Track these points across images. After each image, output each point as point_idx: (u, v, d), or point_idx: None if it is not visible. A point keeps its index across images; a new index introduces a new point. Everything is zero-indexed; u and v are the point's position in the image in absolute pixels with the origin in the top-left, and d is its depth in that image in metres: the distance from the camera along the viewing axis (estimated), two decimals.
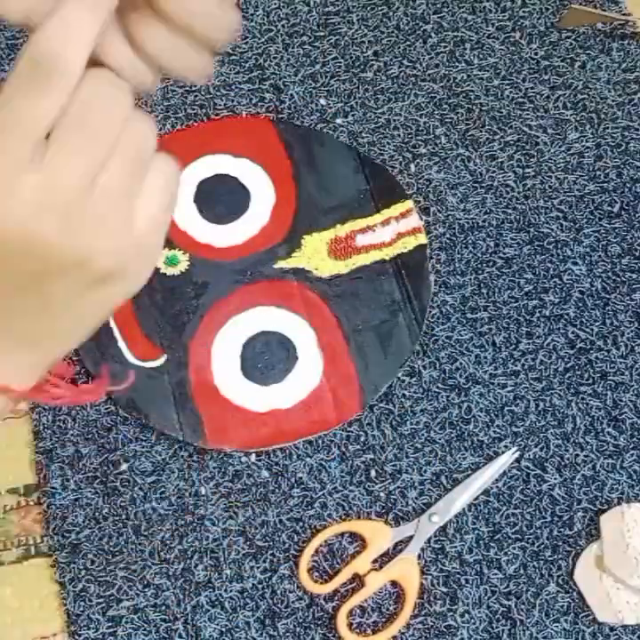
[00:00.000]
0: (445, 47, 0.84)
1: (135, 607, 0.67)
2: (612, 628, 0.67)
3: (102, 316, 0.43)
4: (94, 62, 0.38)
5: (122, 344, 0.73)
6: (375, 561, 0.69)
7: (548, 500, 0.70)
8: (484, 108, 0.82)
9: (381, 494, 0.70)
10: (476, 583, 0.68)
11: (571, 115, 0.82)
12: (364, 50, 0.83)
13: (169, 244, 0.76)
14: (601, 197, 0.79)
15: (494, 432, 0.72)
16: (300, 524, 0.69)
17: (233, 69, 0.82)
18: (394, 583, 0.68)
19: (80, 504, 0.69)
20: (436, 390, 0.73)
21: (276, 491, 0.70)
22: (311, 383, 0.72)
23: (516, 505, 0.70)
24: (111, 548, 0.68)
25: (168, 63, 0.40)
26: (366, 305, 0.75)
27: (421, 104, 0.82)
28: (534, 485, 0.71)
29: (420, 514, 0.69)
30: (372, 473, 0.71)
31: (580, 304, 0.75)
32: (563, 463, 0.71)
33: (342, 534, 0.69)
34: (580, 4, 0.85)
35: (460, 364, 0.73)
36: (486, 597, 0.68)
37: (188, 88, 0.81)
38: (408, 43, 0.84)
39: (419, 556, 0.68)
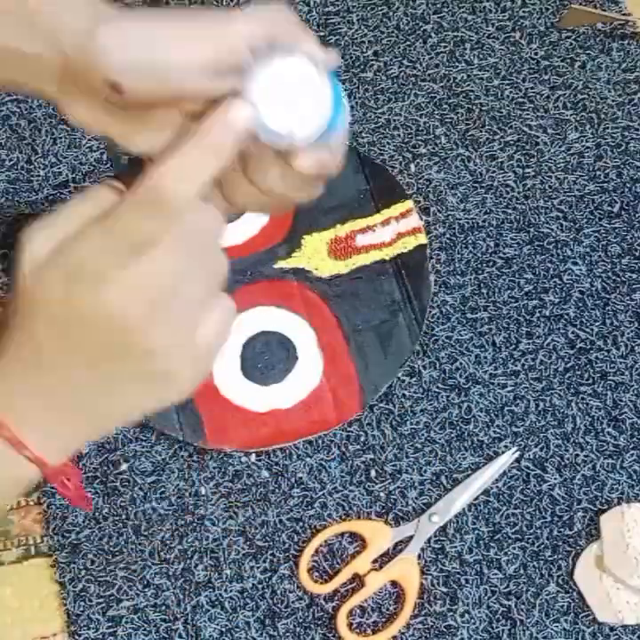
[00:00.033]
0: (445, 47, 0.84)
1: (135, 607, 0.67)
2: (612, 628, 0.67)
3: (140, 412, 0.45)
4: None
5: None
6: (375, 561, 0.69)
7: (547, 500, 0.70)
8: (484, 108, 0.82)
9: (381, 494, 0.70)
10: (476, 583, 0.68)
11: (571, 115, 0.82)
12: (364, 50, 0.83)
13: None
14: (601, 197, 0.79)
15: (494, 432, 0.72)
16: (300, 524, 0.69)
17: None
18: (394, 583, 0.68)
19: None
20: (436, 390, 0.73)
21: (276, 491, 0.70)
22: (311, 383, 0.72)
23: (516, 505, 0.70)
24: (111, 548, 0.68)
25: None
26: (366, 305, 0.75)
27: (421, 104, 0.82)
28: (534, 485, 0.71)
29: (420, 514, 0.69)
30: (372, 473, 0.71)
31: (580, 304, 0.75)
32: (563, 463, 0.71)
33: (342, 534, 0.69)
34: (580, 4, 0.85)
35: (460, 364, 0.73)
36: (486, 597, 0.68)
37: None
38: (408, 43, 0.84)
39: (419, 556, 0.68)
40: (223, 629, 0.67)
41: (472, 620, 0.67)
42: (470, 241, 0.77)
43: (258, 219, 0.77)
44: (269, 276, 0.75)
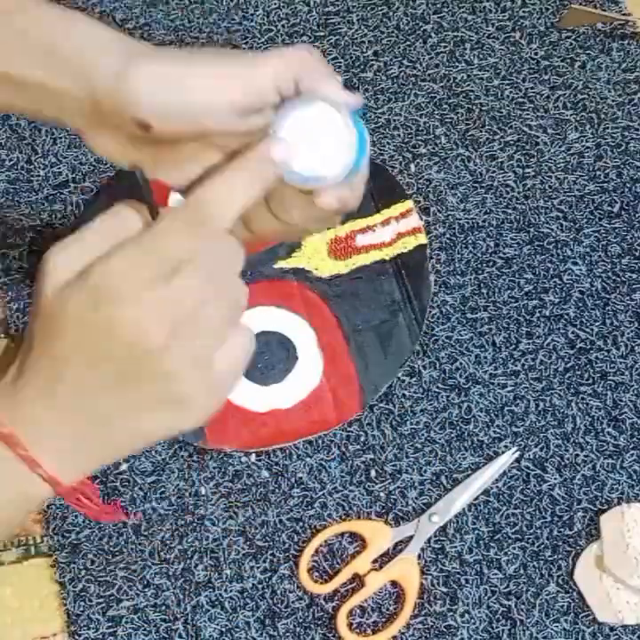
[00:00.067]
0: (445, 47, 0.84)
1: (135, 607, 0.67)
2: (612, 628, 0.67)
3: (154, 438, 0.45)
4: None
5: None
6: (375, 561, 0.69)
7: (547, 500, 0.70)
8: (484, 108, 0.82)
9: (381, 494, 0.70)
10: (476, 583, 0.68)
11: (571, 115, 0.82)
12: (364, 50, 0.83)
13: None
14: (601, 197, 0.79)
15: (494, 432, 0.72)
16: (300, 523, 0.69)
17: None
18: (394, 583, 0.68)
19: None
20: (436, 390, 0.73)
21: (276, 491, 0.70)
22: (311, 383, 0.72)
23: (516, 505, 0.70)
24: (111, 548, 0.68)
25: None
26: (366, 305, 0.75)
27: (421, 104, 0.82)
28: (534, 485, 0.71)
29: (420, 514, 0.69)
30: (372, 473, 0.71)
31: (580, 304, 0.75)
32: (563, 463, 0.71)
33: (342, 534, 0.69)
34: (580, 4, 0.85)
35: (460, 364, 0.73)
36: (486, 597, 0.68)
37: None
38: (408, 43, 0.84)
39: (419, 556, 0.68)
40: (223, 629, 0.67)
41: (472, 620, 0.67)
42: (470, 241, 0.77)
43: None
44: (269, 276, 0.75)
